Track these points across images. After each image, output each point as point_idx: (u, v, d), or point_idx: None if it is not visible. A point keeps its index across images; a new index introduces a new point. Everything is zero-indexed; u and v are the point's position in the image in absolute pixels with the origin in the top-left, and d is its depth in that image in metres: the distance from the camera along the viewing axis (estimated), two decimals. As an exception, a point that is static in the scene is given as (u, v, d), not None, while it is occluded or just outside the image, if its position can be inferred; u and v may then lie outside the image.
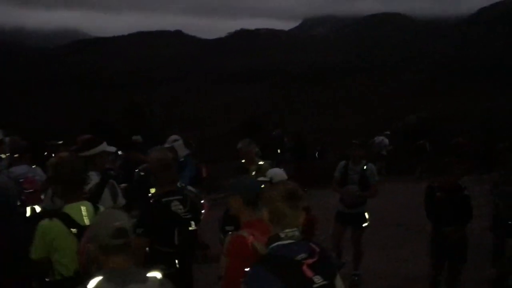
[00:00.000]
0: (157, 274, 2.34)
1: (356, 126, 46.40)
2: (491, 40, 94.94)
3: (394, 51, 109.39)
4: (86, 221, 3.10)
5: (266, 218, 2.42)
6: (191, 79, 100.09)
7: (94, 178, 3.98)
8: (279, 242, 2.32)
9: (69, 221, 3.08)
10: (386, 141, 17.41)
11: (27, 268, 3.38)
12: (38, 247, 3.11)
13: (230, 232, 3.30)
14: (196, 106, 74.28)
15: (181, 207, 3.59)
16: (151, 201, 3.84)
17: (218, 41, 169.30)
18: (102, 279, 2.19)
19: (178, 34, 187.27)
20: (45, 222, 3.12)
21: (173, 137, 6.44)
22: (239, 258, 2.78)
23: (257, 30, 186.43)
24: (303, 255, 2.28)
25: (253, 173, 5.66)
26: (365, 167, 6.41)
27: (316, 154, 18.20)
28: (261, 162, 5.99)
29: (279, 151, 14.85)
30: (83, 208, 3.18)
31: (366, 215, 6.43)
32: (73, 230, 3.07)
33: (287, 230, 2.34)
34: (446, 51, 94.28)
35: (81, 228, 3.03)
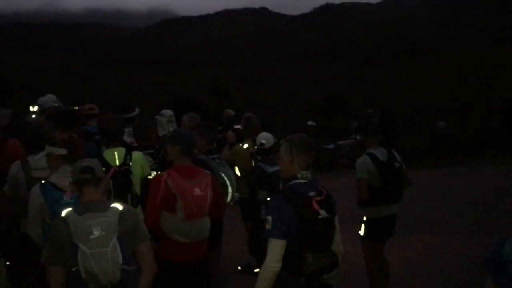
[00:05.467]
0: (119, 206, 2.78)
1: (447, 103, 44.09)
2: None
3: (488, 25, 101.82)
4: (117, 162, 4.02)
5: (289, 162, 3.00)
6: (275, 56, 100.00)
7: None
8: (296, 181, 2.95)
9: (102, 161, 3.91)
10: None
11: None
12: None
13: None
14: (279, 83, 74.25)
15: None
16: None
17: (303, 17, 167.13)
18: (70, 209, 2.72)
19: (263, 11, 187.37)
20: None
21: (169, 112, 6.34)
22: (154, 191, 3.46)
23: (343, 4, 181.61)
24: (313, 193, 2.88)
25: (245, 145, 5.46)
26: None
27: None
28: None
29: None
30: (116, 153, 4.08)
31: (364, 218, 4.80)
32: (103, 168, 3.87)
33: (303, 172, 2.96)
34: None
35: (109, 166, 3.94)
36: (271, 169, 4.65)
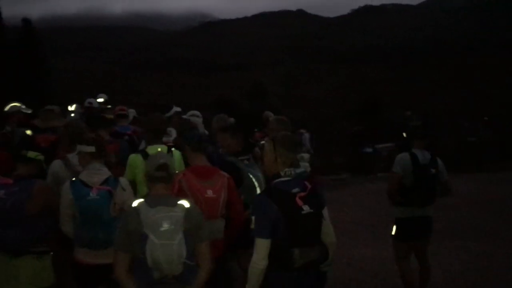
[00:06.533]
0: (185, 203, 2.92)
1: (490, 107, 42.78)
2: None
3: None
4: None
5: (273, 159, 3.06)
6: (313, 59, 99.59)
7: (173, 132, 5.41)
8: (280, 179, 3.00)
9: (147, 157, 3.94)
10: None
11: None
12: (128, 171, 4.38)
13: None
14: (317, 86, 73.87)
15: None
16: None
17: (341, 18, 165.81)
18: (142, 201, 2.90)
19: (300, 13, 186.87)
20: (132, 155, 4.48)
21: (194, 112, 6.47)
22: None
23: (383, 5, 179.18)
24: (297, 189, 2.95)
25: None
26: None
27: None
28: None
29: (404, 134, 13.84)
30: (159, 149, 4.31)
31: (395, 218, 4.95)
32: None
33: (286, 169, 3.01)
34: None
35: None
36: None
